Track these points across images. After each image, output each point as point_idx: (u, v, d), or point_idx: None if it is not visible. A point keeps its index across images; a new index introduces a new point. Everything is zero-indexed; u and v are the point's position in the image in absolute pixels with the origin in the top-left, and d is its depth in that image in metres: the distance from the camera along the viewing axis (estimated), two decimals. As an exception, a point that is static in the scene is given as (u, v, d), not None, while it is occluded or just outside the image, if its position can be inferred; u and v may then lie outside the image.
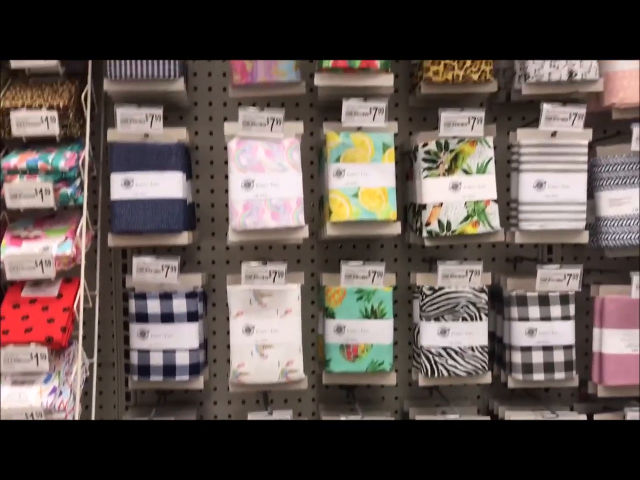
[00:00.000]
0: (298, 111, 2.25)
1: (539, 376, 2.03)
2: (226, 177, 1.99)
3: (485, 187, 1.98)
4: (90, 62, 1.99)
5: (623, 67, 2.00)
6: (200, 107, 2.24)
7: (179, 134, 1.98)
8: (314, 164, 2.26)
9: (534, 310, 2.03)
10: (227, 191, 1.97)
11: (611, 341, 2.04)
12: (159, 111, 1.89)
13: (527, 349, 2.03)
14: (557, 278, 1.96)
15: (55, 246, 1.88)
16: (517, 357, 2.04)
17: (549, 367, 2.03)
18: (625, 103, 2.02)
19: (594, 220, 2.08)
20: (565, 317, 2.04)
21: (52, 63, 1.92)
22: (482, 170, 1.99)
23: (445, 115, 1.92)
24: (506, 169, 2.17)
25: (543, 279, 1.96)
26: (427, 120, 2.27)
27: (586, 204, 2.00)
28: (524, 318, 2.03)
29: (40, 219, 2.00)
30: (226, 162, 1.98)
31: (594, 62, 1.97)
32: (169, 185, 1.93)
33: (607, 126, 2.18)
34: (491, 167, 1.99)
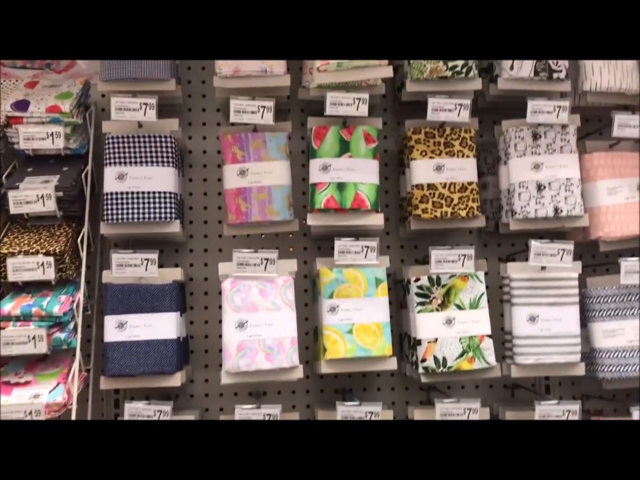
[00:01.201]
0: (292, 241, 2.29)
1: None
2: (220, 307, 2.00)
3: (479, 322, 1.98)
4: (87, 206, 2.03)
5: (606, 203, 2.06)
6: (196, 239, 2.27)
7: (174, 274, 2.00)
8: (308, 291, 2.28)
9: (534, 445, 1.99)
10: (220, 321, 1.96)
11: (616, 477, 1.98)
12: (154, 255, 1.91)
13: (530, 486, 1.97)
14: (556, 414, 1.93)
15: (46, 393, 1.85)
16: (520, 496, 1.97)
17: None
18: (611, 237, 2.07)
19: (589, 351, 2.07)
20: (567, 452, 2.00)
21: (51, 207, 1.96)
22: (475, 305, 2.00)
23: (435, 253, 1.96)
24: (498, 293, 2.18)
25: (542, 416, 1.93)
26: (418, 247, 2.32)
27: (580, 335, 2.01)
28: (525, 453, 1.99)
29: (32, 362, 1.98)
30: (220, 293, 1.99)
31: (579, 199, 2.03)
32: (162, 326, 1.93)
33: (596, 251, 2.22)
34: (484, 301, 2.01)
